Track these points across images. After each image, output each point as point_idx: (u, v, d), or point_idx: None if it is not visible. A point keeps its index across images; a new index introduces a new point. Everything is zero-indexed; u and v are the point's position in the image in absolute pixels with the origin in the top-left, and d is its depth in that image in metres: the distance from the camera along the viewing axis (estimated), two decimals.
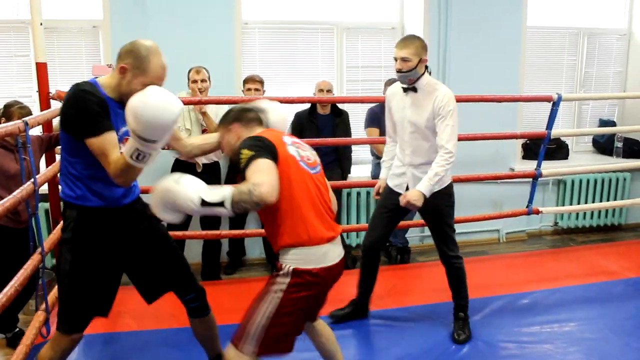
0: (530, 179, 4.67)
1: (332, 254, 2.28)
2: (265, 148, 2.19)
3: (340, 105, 4.77)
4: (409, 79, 3.16)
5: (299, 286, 2.22)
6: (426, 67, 3.21)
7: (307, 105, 4.70)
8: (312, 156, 2.41)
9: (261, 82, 4.49)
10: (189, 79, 4.28)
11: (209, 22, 4.67)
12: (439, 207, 3.32)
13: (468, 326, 3.46)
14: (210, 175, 4.35)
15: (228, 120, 2.47)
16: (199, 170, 4.28)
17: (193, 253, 4.57)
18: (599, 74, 6.07)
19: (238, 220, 4.68)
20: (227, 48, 4.74)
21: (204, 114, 4.22)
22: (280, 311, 2.22)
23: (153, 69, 2.31)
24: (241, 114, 2.46)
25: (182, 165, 4.25)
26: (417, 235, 5.27)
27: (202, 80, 4.25)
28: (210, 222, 4.48)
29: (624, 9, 6.03)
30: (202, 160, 4.31)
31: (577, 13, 5.87)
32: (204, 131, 4.27)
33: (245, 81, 4.46)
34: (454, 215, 3.43)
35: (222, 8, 4.70)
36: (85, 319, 2.49)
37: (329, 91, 4.64)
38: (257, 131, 2.38)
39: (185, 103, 4.26)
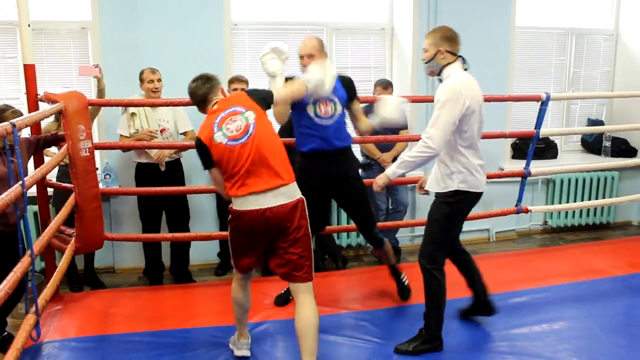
0: (520, 178, 4.69)
1: (248, 203, 2.76)
2: (203, 158, 2.90)
3: None
4: (430, 71, 3.14)
5: (230, 220, 2.92)
6: (460, 58, 3.09)
7: None
8: (241, 124, 2.78)
9: (246, 82, 4.48)
10: (142, 80, 4.26)
11: (199, 23, 4.67)
12: (431, 212, 3.22)
13: (419, 344, 3.24)
14: (173, 172, 4.41)
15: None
16: (163, 169, 4.32)
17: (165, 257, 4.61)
18: (587, 74, 6.12)
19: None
20: (217, 49, 4.74)
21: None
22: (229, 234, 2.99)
23: None
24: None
25: (146, 168, 4.32)
26: (408, 235, 5.29)
27: (159, 80, 4.26)
28: (178, 224, 4.48)
29: (611, 10, 6.09)
30: (164, 160, 4.32)
31: (565, 14, 5.92)
32: (162, 131, 4.31)
33: (231, 81, 4.43)
34: (448, 229, 3.17)
35: (211, 9, 4.70)
36: None
37: None
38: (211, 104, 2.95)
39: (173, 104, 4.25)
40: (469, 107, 2.96)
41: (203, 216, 4.79)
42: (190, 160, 4.57)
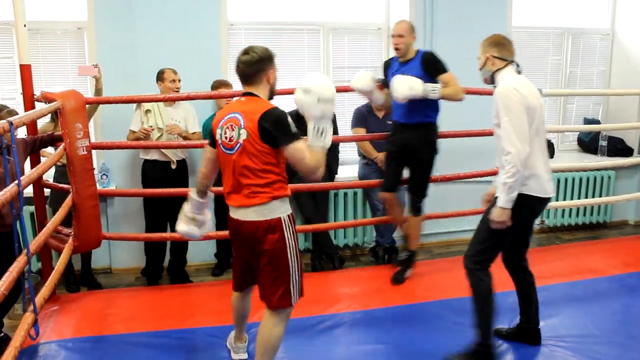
0: None
1: (232, 212, 2.77)
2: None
3: None
4: (484, 78, 3.15)
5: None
6: (512, 63, 3.04)
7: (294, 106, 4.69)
8: (241, 133, 2.61)
9: (232, 86, 4.49)
10: (163, 80, 4.30)
11: (195, 23, 4.66)
12: (485, 211, 3.09)
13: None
14: (182, 171, 4.47)
15: None
16: (174, 167, 4.36)
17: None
18: (583, 73, 6.13)
19: (224, 220, 4.66)
20: (213, 49, 4.73)
21: (180, 134, 4.36)
22: None
23: None
24: None
25: (155, 165, 4.35)
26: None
27: (179, 80, 4.33)
28: (155, 221, 4.47)
29: (607, 9, 6.10)
30: (175, 157, 4.37)
31: (561, 13, 5.93)
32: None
33: (218, 86, 4.43)
34: (498, 232, 2.99)
35: (207, 9, 4.70)
36: None
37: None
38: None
39: (172, 100, 4.26)
40: (528, 105, 2.86)
41: None
42: (196, 161, 4.60)
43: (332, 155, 4.74)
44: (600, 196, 5.82)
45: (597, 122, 6.11)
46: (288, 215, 2.72)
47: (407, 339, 3.45)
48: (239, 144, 2.63)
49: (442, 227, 5.41)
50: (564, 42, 5.97)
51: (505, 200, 2.87)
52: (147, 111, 4.30)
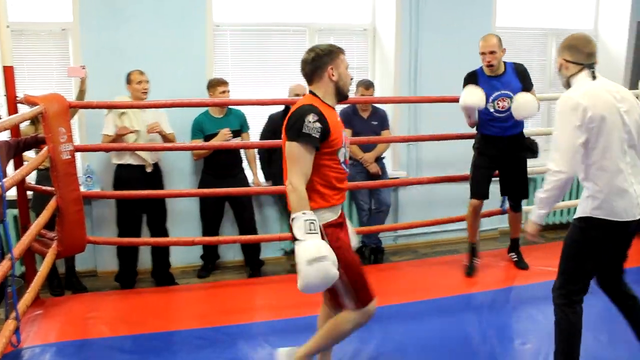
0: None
1: None
2: None
3: None
4: (563, 83, 2.90)
5: None
6: (588, 67, 2.71)
7: (281, 107, 4.69)
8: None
9: (228, 84, 4.49)
10: (130, 82, 4.26)
11: (180, 24, 4.64)
12: (565, 237, 2.86)
13: None
14: (156, 175, 4.43)
15: None
16: (150, 170, 4.33)
17: (143, 259, 4.58)
18: None
19: (213, 221, 4.66)
20: (199, 51, 4.71)
21: (160, 132, 4.31)
22: None
23: None
24: None
25: (128, 170, 4.30)
26: (391, 235, 5.29)
27: (147, 81, 4.28)
28: (158, 226, 4.48)
29: (590, 10, 6.14)
30: (151, 160, 4.33)
31: (545, 14, 5.96)
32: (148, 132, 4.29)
33: (216, 84, 4.42)
34: (578, 259, 2.77)
35: (193, 10, 4.67)
36: None
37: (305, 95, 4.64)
38: None
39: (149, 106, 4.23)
40: (592, 118, 2.55)
41: (184, 219, 4.76)
42: (169, 163, 4.57)
43: None
44: None
45: None
46: (320, 226, 2.46)
47: (392, 338, 3.46)
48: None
49: (427, 228, 5.41)
50: (548, 42, 6.01)
51: (537, 215, 2.80)
52: (122, 114, 4.25)
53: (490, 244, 5.48)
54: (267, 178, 4.74)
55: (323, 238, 2.43)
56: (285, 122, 2.51)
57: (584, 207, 2.72)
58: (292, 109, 2.52)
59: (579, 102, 2.57)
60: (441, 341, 3.39)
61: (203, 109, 4.55)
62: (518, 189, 4.44)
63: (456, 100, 4.37)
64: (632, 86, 5.79)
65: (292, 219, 2.40)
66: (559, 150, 2.61)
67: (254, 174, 4.74)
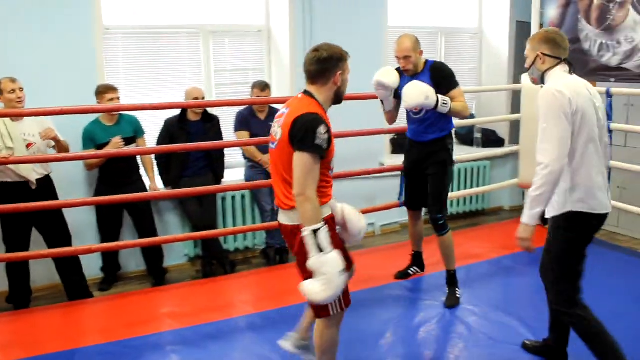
0: (400, 173, 4.86)
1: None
2: None
3: (210, 110, 4.73)
4: (532, 78, 2.87)
5: None
6: (564, 61, 2.73)
7: (177, 112, 4.60)
8: (278, 130, 2.53)
9: (117, 90, 4.32)
10: (1, 91, 3.85)
11: (67, 27, 4.38)
12: (547, 244, 2.82)
13: None
14: (45, 190, 4.07)
15: None
16: (34, 187, 3.98)
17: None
18: (457, 70, 6.32)
19: (112, 232, 4.50)
20: (88, 55, 4.50)
21: (54, 139, 4.01)
22: None
23: None
24: None
25: (10, 188, 3.93)
26: None
27: (20, 89, 3.88)
28: (16, 243, 4.09)
29: (475, 10, 6.46)
30: (34, 177, 3.99)
31: (434, 14, 6.22)
32: (28, 146, 3.94)
33: (104, 91, 4.25)
34: (572, 260, 2.72)
35: (80, 13, 4.43)
36: None
37: (202, 99, 4.59)
38: None
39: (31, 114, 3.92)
40: (576, 109, 2.56)
41: (81, 233, 4.52)
42: (62, 176, 4.31)
43: (217, 160, 4.71)
44: (478, 186, 6.16)
45: (472, 116, 6.45)
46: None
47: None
48: (276, 142, 2.56)
49: None
50: (438, 41, 6.26)
51: (528, 216, 2.62)
52: None
53: (392, 237, 5.63)
54: (165, 184, 4.64)
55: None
56: (289, 130, 2.46)
57: (563, 202, 2.65)
58: (294, 114, 2.47)
59: (563, 93, 2.55)
60: (351, 335, 3.45)
61: (93, 117, 4.36)
62: (425, 200, 4.06)
63: (355, 98, 4.46)
64: (515, 81, 6.15)
65: (313, 230, 2.38)
66: (550, 142, 2.54)
67: (152, 180, 4.61)
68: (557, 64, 2.72)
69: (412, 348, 3.37)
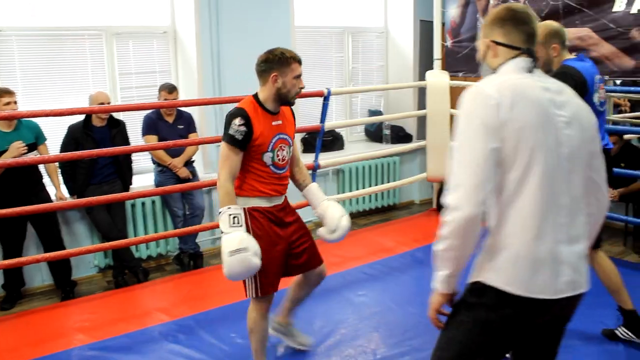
0: (311, 171, 4.90)
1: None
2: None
3: (116, 115, 4.58)
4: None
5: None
6: (526, 52, 1.79)
7: (81, 117, 4.42)
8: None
9: (14, 94, 4.11)
10: None
11: None
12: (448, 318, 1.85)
13: None
14: None
15: None
16: None
17: None
18: (364, 68, 6.59)
19: (14, 246, 4.25)
20: None
21: None
22: None
23: None
24: None
25: None
26: (209, 238, 5.25)
27: None
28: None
29: (381, 9, 6.61)
30: None
31: (341, 13, 6.31)
32: None
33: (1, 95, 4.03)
34: (466, 352, 1.77)
35: None
36: None
37: (108, 104, 4.42)
38: None
39: None
40: (510, 119, 1.64)
41: None
42: None
43: (125, 166, 4.57)
44: (389, 181, 6.31)
45: (380, 113, 6.61)
46: (246, 209, 2.77)
47: (222, 341, 3.47)
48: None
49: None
50: (345, 40, 6.36)
51: (436, 279, 1.79)
52: None
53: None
54: (71, 192, 4.45)
55: (248, 231, 2.69)
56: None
57: (480, 264, 1.77)
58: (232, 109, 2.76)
59: (491, 95, 1.67)
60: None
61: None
62: None
63: (206, 102, 4.43)
64: (421, 78, 6.34)
65: (219, 214, 2.62)
66: (463, 172, 1.66)
67: (57, 188, 4.41)
68: (513, 57, 1.80)
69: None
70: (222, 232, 2.60)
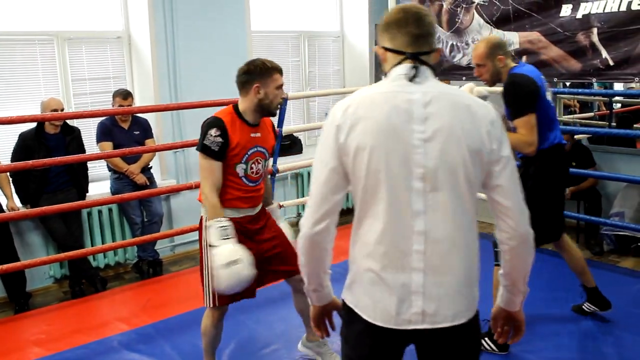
0: (269, 175, 4.90)
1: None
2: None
3: (70, 122, 4.49)
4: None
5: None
6: (412, 57, 1.62)
7: (32, 125, 4.32)
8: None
9: None
10: None
11: None
12: None
13: None
14: None
15: None
16: None
17: None
18: (321, 72, 6.62)
19: None
20: None
21: None
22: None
23: None
24: None
25: None
26: (168, 245, 5.19)
27: None
28: None
29: (336, 14, 6.66)
30: None
31: (297, 17, 6.33)
32: None
33: None
34: None
35: None
36: None
37: (62, 111, 4.33)
38: None
39: None
40: (347, 144, 1.58)
41: None
42: None
43: (80, 173, 4.48)
44: None
45: None
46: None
47: (179, 350, 3.43)
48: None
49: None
50: (301, 44, 6.38)
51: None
52: None
53: None
54: (23, 202, 4.34)
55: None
56: None
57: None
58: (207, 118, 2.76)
59: (335, 113, 1.62)
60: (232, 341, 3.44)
61: None
62: None
63: (218, 104, 4.41)
64: (377, 81, 6.36)
65: (207, 227, 2.63)
66: (311, 191, 1.66)
67: (9, 198, 4.30)
68: (398, 62, 1.63)
69: None
70: (210, 245, 2.61)
